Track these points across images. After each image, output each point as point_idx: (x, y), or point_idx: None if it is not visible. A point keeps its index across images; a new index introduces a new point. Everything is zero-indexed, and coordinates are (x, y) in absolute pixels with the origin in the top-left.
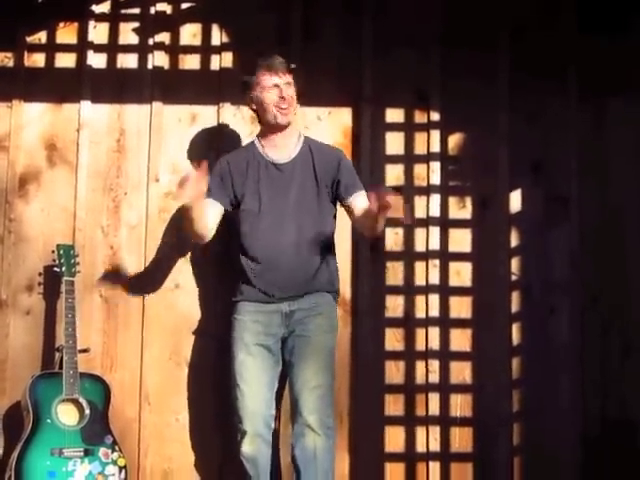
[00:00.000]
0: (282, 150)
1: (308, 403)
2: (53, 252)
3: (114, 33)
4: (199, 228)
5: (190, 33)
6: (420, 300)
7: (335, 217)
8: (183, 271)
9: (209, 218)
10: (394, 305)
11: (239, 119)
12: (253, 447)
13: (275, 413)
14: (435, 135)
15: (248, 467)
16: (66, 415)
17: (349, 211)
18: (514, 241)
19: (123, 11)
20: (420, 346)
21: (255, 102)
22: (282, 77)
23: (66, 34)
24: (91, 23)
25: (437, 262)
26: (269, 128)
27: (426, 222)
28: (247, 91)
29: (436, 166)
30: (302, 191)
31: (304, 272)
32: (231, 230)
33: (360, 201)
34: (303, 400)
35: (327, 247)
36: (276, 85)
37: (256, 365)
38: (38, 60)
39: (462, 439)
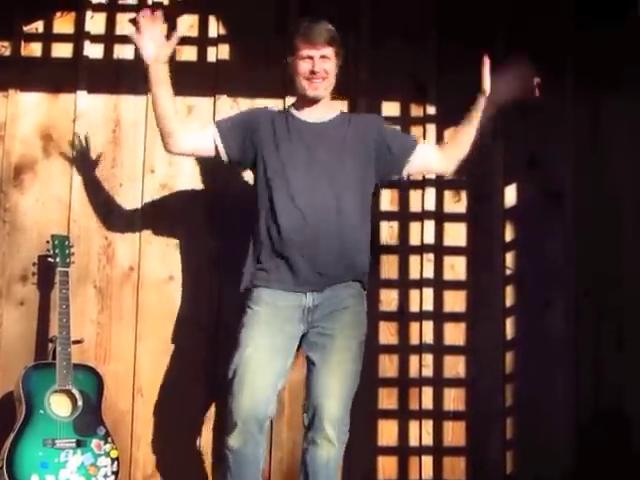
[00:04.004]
0: (315, 116)
1: (328, 413)
2: (48, 242)
3: (111, 23)
4: (158, 111)
5: (187, 24)
6: (414, 294)
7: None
8: (177, 263)
9: (183, 125)
10: (388, 299)
11: (236, 111)
12: (241, 444)
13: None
14: (431, 129)
15: (231, 460)
16: (59, 406)
17: (425, 163)
18: (509, 235)
19: (120, 1)
20: (414, 340)
21: (290, 68)
22: (319, 49)
23: (63, 24)
24: (88, 13)
25: (431, 256)
26: (300, 98)
27: (421, 216)
28: (288, 53)
29: None
30: (337, 152)
31: (346, 250)
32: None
33: (430, 147)
34: (323, 409)
35: (365, 222)
36: (310, 57)
37: (264, 363)
38: (35, 50)
39: (455, 433)
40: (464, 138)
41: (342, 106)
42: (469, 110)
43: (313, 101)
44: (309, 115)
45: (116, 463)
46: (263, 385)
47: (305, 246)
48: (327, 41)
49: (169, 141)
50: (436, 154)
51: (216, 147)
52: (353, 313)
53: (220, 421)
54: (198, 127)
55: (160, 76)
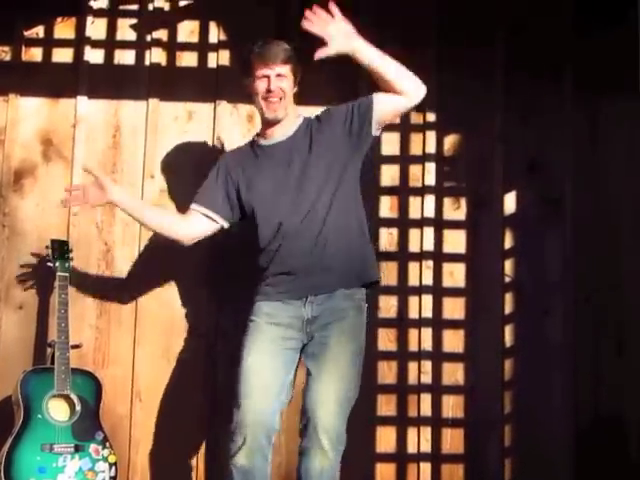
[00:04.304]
0: (281, 134)
1: (322, 420)
2: (47, 247)
3: (112, 29)
4: (151, 228)
5: (188, 30)
6: (413, 301)
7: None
8: (177, 269)
9: (179, 222)
10: (387, 305)
11: (235, 117)
12: (249, 461)
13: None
14: (431, 136)
15: (237, 479)
16: (57, 411)
17: (390, 109)
18: (508, 242)
19: (121, 7)
20: (413, 347)
21: (249, 89)
22: (273, 68)
23: (64, 29)
24: (89, 19)
25: (431, 263)
26: (263, 121)
27: (420, 223)
28: (247, 74)
29: (431, 167)
30: (310, 160)
31: (325, 260)
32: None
33: (381, 94)
34: (317, 417)
35: (353, 224)
36: (265, 76)
37: (267, 371)
38: (35, 54)
39: (454, 440)
40: (385, 71)
41: None
42: (362, 65)
43: (275, 122)
44: (275, 135)
45: (114, 468)
46: (267, 396)
47: (298, 262)
48: (282, 60)
49: (178, 241)
50: (389, 95)
51: (214, 221)
52: (351, 324)
53: (218, 427)
54: (188, 214)
55: (130, 206)
